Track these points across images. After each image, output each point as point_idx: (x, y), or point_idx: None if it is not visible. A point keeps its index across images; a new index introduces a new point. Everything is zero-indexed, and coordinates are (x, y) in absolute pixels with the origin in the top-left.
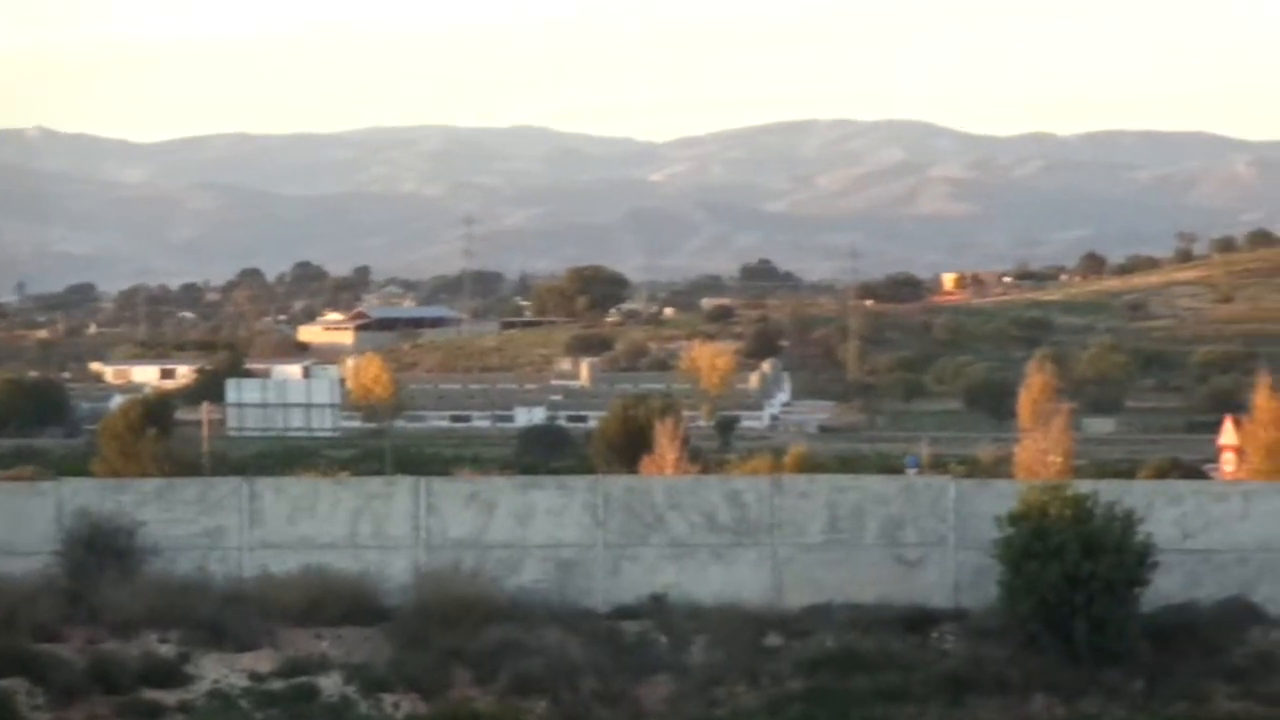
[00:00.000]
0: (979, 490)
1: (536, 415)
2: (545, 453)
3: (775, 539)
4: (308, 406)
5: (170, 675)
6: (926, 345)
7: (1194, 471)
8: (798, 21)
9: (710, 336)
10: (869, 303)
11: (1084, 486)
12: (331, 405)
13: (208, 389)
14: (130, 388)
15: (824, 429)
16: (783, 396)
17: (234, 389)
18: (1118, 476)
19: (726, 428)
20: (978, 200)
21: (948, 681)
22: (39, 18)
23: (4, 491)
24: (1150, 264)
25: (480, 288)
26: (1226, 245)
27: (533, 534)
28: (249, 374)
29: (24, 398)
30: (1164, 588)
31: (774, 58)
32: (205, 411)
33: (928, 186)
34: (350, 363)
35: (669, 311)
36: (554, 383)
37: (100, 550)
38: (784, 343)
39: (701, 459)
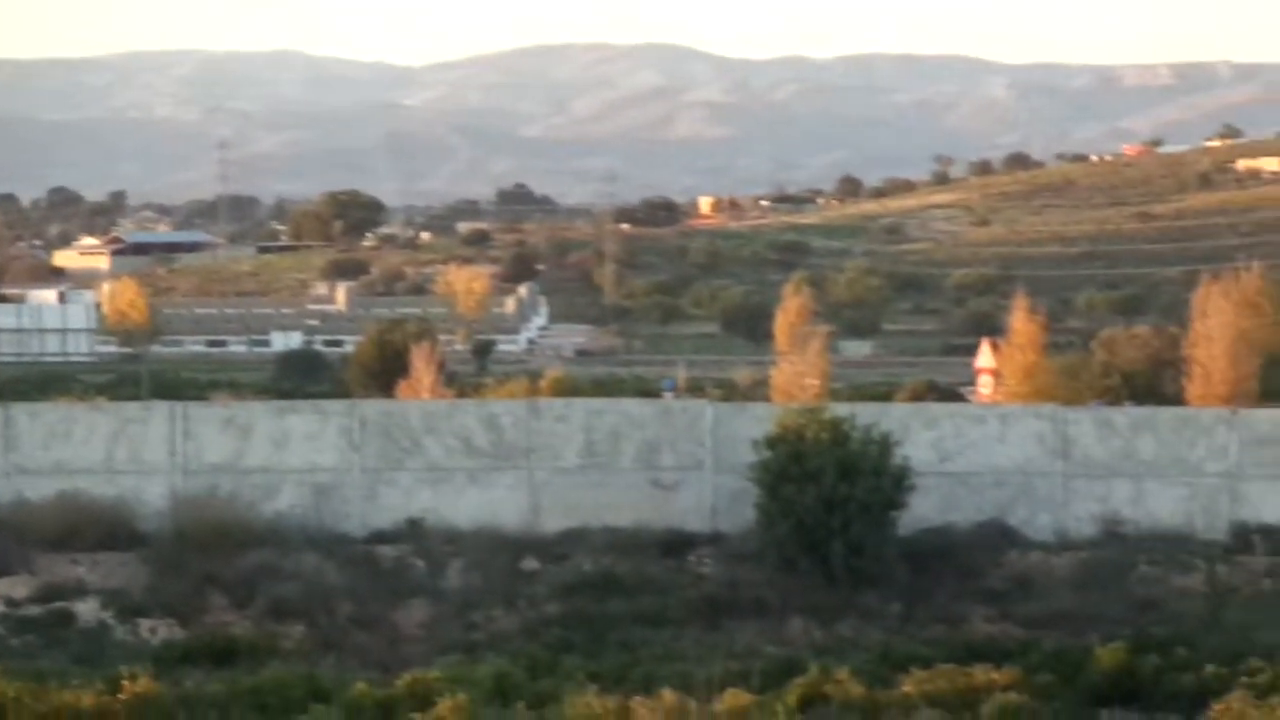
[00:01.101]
0: (736, 414)
1: (293, 340)
2: (302, 378)
3: (532, 463)
4: (63, 332)
5: None
6: (683, 269)
7: (951, 394)
8: None
9: (467, 261)
10: (625, 227)
11: (841, 410)
12: (87, 330)
13: None
14: None
15: (581, 353)
16: (539, 321)
17: None
18: (875, 400)
19: (483, 352)
20: (734, 124)
21: (705, 605)
22: None
23: None
24: (907, 187)
25: (236, 213)
26: (983, 168)
27: (289, 459)
28: (3, 299)
29: None
30: (921, 511)
31: None
32: None
33: (684, 110)
34: (106, 288)
35: (426, 236)
36: (310, 307)
37: None
38: (540, 267)
39: (458, 383)
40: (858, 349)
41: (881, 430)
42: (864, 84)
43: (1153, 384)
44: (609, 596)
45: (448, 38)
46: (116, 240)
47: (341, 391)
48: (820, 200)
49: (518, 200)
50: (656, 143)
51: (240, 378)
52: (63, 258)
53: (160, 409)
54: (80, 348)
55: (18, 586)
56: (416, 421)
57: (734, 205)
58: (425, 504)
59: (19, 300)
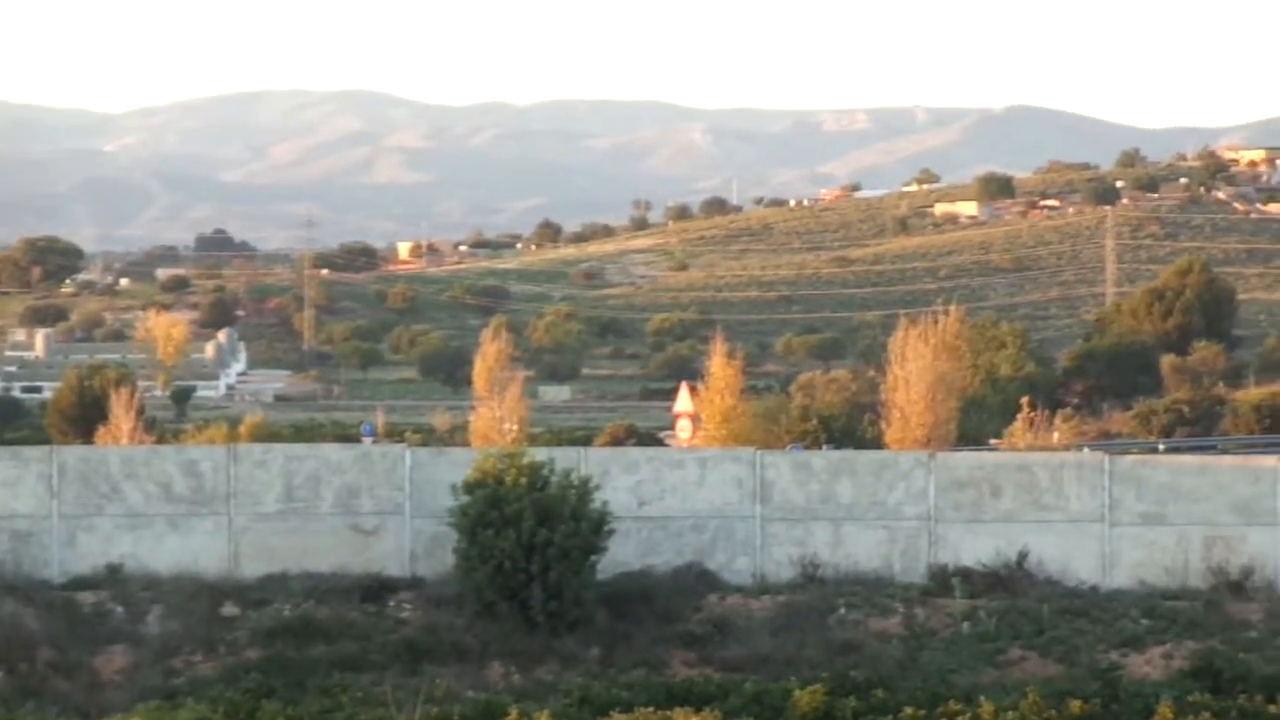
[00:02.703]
0: (434, 458)
1: None
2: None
3: (231, 509)
4: None
5: None
6: (382, 314)
7: (650, 438)
8: None
9: (166, 307)
10: (324, 272)
11: (539, 454)
12: None
13: None
14: None
15: (280, 398)
16: (239, 366)
17: None
18: (574, 444)
19: (182, 398)
20: (434, 169)
21: (405, 649)
22: None
23: None
24: (606, 232)
25: None
26: (682, 213)
27: None
28: None
29: None
30: (620, 555)
31: (228, 28)
32: None
33: (384, 156)
34: None
35: (125, 282)
36: (8, 354)
37: None
38: (240, 313)
39: (157, 429)
40: (557, 393)
41: (580, 475)
42: (563, 129)
43: (851, 427)
44: (309, 642)
45: (148, 84)
46: None
47: (40, 438)
48: (519, 245)
49: (217, 246)
50: (356, 188)
51: None
52: None
53: None
54: None
55: None
56: (116, 468)
57: (433, 250)
58: (125, 550)
59: None
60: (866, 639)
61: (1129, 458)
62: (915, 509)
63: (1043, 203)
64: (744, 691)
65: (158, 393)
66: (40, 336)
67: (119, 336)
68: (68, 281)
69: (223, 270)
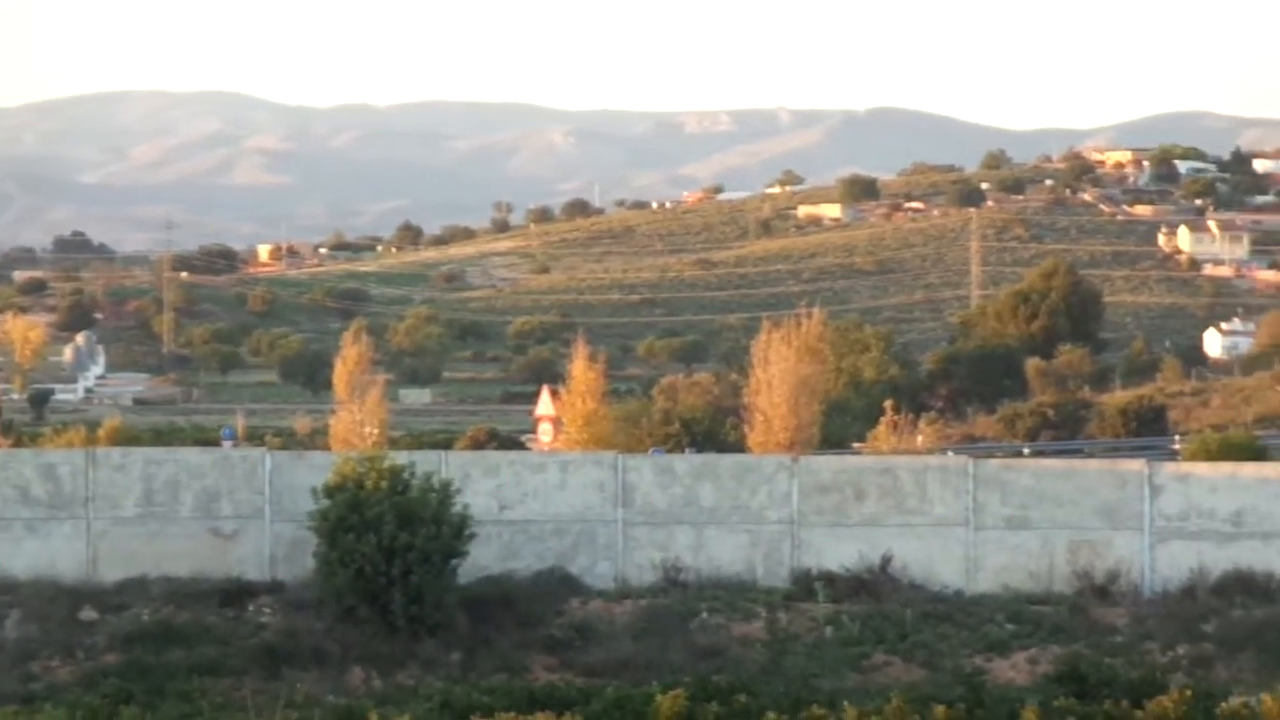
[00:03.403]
0: (294, 462)
1: None
2: None
3: (90, 512)
4: None
5: None
6: (242, 317)
7: (511, 442)
8: None
9: (23, 310)
10: (184, 275)
11: (400, 458)
12: None
13: None
14: None
15: (139, 401)
16: (97, 369)
17: None
18: (435, 447)
19: (40, 401)
20: (294, 171)
21: (264, 654)
22: None
23: None
24: (467, 234)
25: None
26: (543, 215)
27: None
28: None
29: None
30: (481, 559)
31: (86, 28)
32: None
33: (244, 157)
34: None
35: None
36: None
37: None
38: (98, 315)
39: (15, 432)
40: (418, 397)
41: (441, 478)
42: (424, 130)
43: (713, 430)
44: (168, 646)
45: (3, 84)
46: None
47: None
48: (380, 247)
49: (75, 248)
50: (216, 190)
51: None
52: None
53: None
54: None
55: None
56: None
57: (293, 253)
58: None
59: None
60: (729, 643)
61: (993, 461)
62: (778, 513)
63: (907, 205)
64: (605, 696)
65: (15, 396)
66: None
67: None
68: None
69: (81, 273)
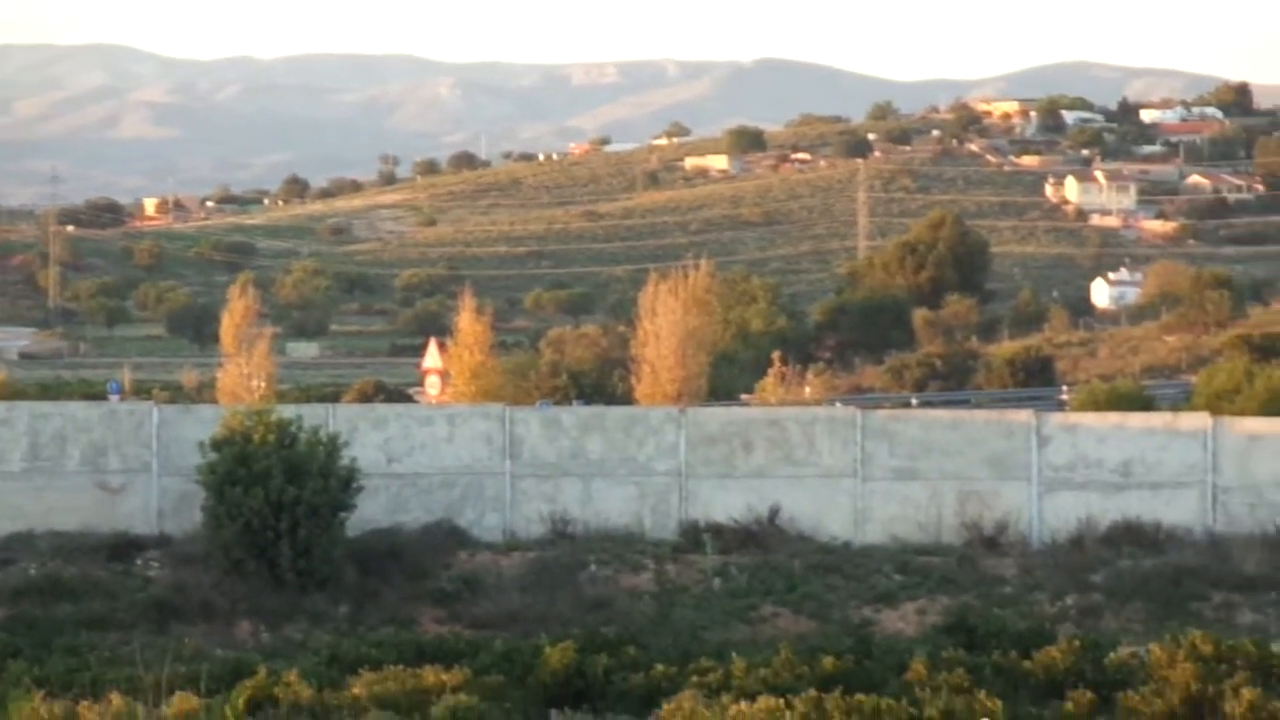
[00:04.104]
0: (182, 416)
1: None
2: None
3: None
4: None
5: None
6: (128, 271)
7: (399, 395)
8: None
9: None
10: (70, 229)
11: (287, 411)
12: None
13: None
14: None
15: (25, 356)
16: None
17: None
18: (322, 401)
19: None
20: (179, 125)
21: (152, 608)
22: None
23: None
24: (354, 188)
25: None
26: (430, 168)
27: None
28: None
29: None
30: (369, 512)
31: None
32: None
33: (129, 111)
34: None
35: None
36: None
37: None
38: None
39: None
40: (305, 350)
41: (329, 432)
42: (309, 84)
43: (601, 383)
44: (55, 601)
45: None
46: None
47: None
48: (266, 201)
49: None
50: (101, 143)
51: None
52: None
53: None
54: None
55: None
56: None
57: (179, 206)
58: None
59: None
60: (617, 595)
61: (881, 412)
62: (666, 465)
63: (794, 156)
64: (494, 649)
65: None
66: None
67: None
68: None
69: None
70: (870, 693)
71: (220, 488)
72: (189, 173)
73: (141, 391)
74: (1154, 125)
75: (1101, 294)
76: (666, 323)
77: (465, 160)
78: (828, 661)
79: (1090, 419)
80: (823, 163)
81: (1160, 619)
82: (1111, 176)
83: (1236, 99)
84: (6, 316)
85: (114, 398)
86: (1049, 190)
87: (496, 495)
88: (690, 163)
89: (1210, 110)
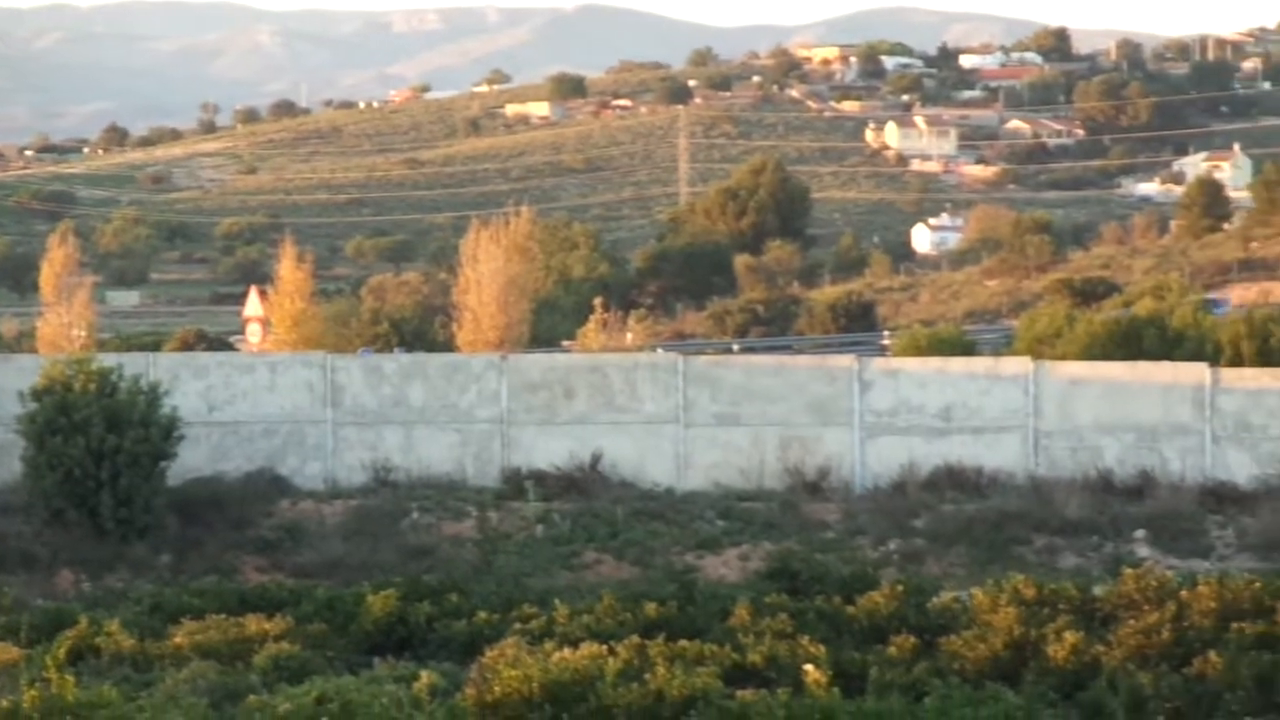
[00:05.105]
0: (1, 365)
1: None
2: None
3: None
4: None
5: None
6: None
7: (221, 344)
8: None
9: None
10: None
11: (108, 360)
12: None
13: None
14: None
15: None
16: None
17: None
18: (143, 349)
19: None
20: None
21: None
22: None
23: None
24: (174, 136)
25: None
26: (250, 116)
27: None
28: None
29: None
30: (191, 461)
31: None
32: None
33: None
34: None
35: None
36: None
37: None
38: None
39: None
40: (126, 299)
41: (149, 380)
42: (127, 32)
43: (423, 330)
44: None
45: None
46: None
47: None
48: (85, 150)
49: None
50: None
51: None
52: None
53: None
54: None
55: None
56: None
57: None
58: None
59: None
60: (440, 543)
61: (703, 358)
62: (488, 411)
63: (615, 102)
64: (316, 597)
65: None
66: None
67: None
68: None
69: None
70: (693, 639)
71: (40, 437)
72: (7, 122)
73: None
74: (973, 70)
75: (922, 239)
76: (488, 270)
77: (286, 108)
78: (651, 608)
79: (912, 364)
80: (644, 109)
81: (983, 563)
82: (931, 122)
83: (1055, 44)
84: None
85: None
86: (869, 136)
87: (318, 443)
88: (511, 110)
89: (1029, 55)
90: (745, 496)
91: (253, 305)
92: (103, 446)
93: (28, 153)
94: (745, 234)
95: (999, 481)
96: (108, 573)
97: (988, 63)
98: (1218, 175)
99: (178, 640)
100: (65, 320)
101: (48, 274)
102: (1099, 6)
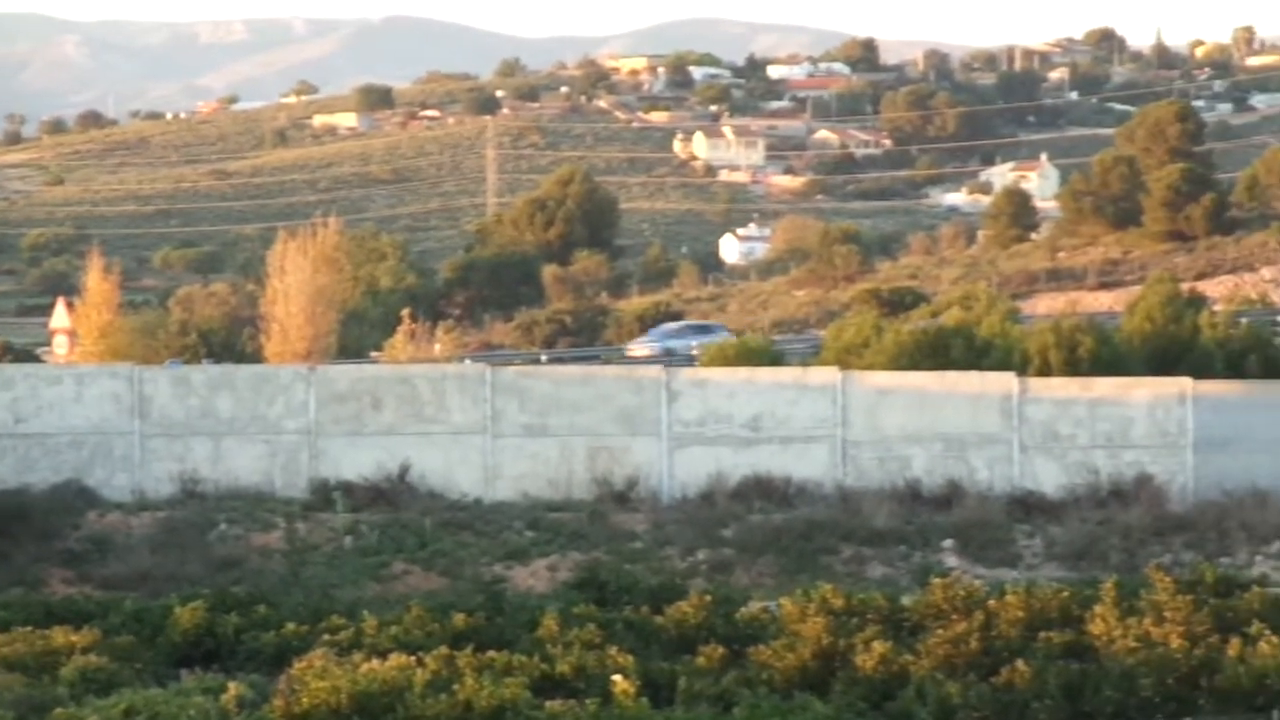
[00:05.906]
0: None
1: None
2: None
3: None
4: None
5: None
6: None
7: (27, 355)
8: None
9: None
10: None
11: None
12: None
13: None
14: None
15: None
16: None
17: None
18: None
19: None
20: None
21: None
22: None
23: None
24: None
25: None
26: (57, 127)
27: None
28: None
29: None
30: None
31: None
32: None
33: None
34: None
35: None
36: None
37: None
38: None
39: None
40: None
41: None
42: None
43: (231, 341)
44: None
45: None
46: None
47: None
48: None
49: None
50: None
51: None
52: None
53: None
54: None
55: None
56: None
57: None
58: None
59: None
60: (248, 554)
61: (511, 369)
62: (296, 423)
63: (422, 113)
64: (124, 609)
65: None
66: None
67: None
68: None
69: None
70: (502, 649)
71: None
72: None
73: None
74: (781, 81)
75: (730, 249)
76: (295, 281)
77: (93, 119)
78: (459, 619)
79: (720, 374)
80: (451, 120)
81: (791, 573)
82: (739, 132)
83: (863, 55)
84: None
85: None
86: (677, 146)
87: (125, 455)
88: (319, 120)
89: (837, 66)
90: (554, 507)
91: (59, 317)
92: None
93: None
94: (553, 244)
95: (807, 491)
96: None
97: (795, 73)
98: (1025, 185)
99: None
100: None
101: None
102: (907, 17)
